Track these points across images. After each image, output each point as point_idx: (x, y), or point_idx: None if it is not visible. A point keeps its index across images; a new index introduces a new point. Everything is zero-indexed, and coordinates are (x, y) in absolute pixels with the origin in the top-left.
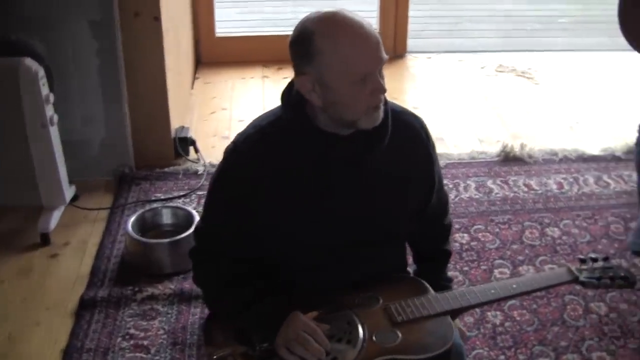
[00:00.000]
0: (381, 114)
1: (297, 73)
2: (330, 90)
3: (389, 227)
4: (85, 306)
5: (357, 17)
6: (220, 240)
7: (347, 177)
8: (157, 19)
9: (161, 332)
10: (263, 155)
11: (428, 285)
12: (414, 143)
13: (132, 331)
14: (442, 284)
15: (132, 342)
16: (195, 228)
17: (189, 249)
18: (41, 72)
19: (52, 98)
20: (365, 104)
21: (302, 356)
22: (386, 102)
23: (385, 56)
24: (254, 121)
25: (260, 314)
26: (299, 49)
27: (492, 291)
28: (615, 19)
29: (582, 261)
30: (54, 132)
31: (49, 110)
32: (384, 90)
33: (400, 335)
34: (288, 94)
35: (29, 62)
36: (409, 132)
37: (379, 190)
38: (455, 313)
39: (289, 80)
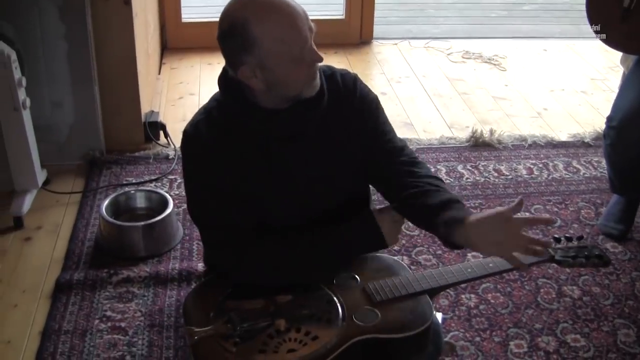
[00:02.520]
0: (318, 80)
1: (236, 65)
2: (272, 72)
3: (348, 188)
4: (62, 289)
5: None
6: (222, 216)
7: (295, 148)
8: (128, 2)
9: (138, 314)
10: (213, 138)
11: (405, 265)
12: (350, 98)
13: (109, 313)
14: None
15: (109, 324)
16: (200, 225)
17: (205, 256)
18: (13, 56)
19: (24, 82)
20: (305, 76)
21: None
22: None
23: (313, 24)
24: (199, 109)
25: (351, 237)
26: (234, 41)
27: (469, 270)
28: (579, 7)
29: (557, 240)
30: (27, 115)
31: (22, 94)
32: (321, 59)
33: (379, 314)
34: (224, 78)
35: (0, 45)
36: (343, 91)
37: (328, 153)
38: (433, 292)
39: None
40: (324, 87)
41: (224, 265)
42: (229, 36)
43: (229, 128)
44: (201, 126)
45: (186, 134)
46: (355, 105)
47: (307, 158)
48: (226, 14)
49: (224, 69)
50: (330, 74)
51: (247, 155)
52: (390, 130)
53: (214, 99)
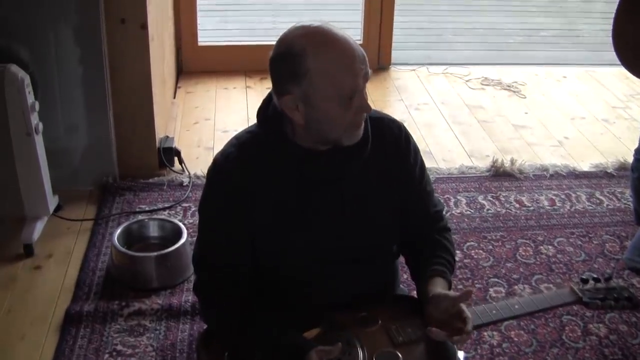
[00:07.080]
0: (362, 131)
1: (281, 92)
2: (316, 109)
3: (377, 240)
4: (71, 320)
5: (341, 31)
6: (219, 260)
7: (328, 192)
8: (144, 26)
9: (149, 349)
10: (244, 172)
11: None
12: (393, 149)
13: (119, 347)
14: (431, 269)
15: (119, 358)
16: (194, 257)
17: (193, 285)
18: (27, 80)
19: (37, 106)
20: (349, 122)
21: None
22: None
23: (370, 71)
24: (232, 139)
25: None
26: (286, 67)
27: (494, 312)
28: (599, 33)
29: (584, 281)
30: (39, 140)
31: (34, 119)
32: (369, 110)
33: (400, 356)
34: (264, 109)
35: (14, 69)
36: (388, 138)
37: (363, 203)
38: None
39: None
40: (369, 134)
41: (200, 303)
42: (281, 61)
43: (262, 164)
44: (232, 159)
45: (216, 163)
46: (400, 156)
47: (341, 203)
48: (285, 37)
49: (264, 100)
50: (378, 118)
51: (278, 193)
52: (430, 192)
53: (247, 131)
